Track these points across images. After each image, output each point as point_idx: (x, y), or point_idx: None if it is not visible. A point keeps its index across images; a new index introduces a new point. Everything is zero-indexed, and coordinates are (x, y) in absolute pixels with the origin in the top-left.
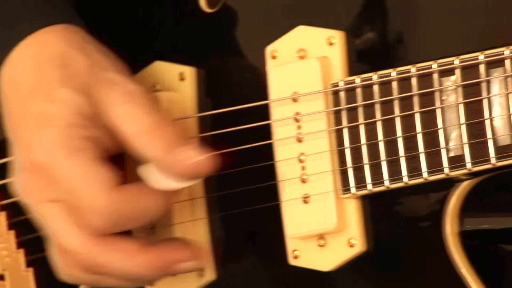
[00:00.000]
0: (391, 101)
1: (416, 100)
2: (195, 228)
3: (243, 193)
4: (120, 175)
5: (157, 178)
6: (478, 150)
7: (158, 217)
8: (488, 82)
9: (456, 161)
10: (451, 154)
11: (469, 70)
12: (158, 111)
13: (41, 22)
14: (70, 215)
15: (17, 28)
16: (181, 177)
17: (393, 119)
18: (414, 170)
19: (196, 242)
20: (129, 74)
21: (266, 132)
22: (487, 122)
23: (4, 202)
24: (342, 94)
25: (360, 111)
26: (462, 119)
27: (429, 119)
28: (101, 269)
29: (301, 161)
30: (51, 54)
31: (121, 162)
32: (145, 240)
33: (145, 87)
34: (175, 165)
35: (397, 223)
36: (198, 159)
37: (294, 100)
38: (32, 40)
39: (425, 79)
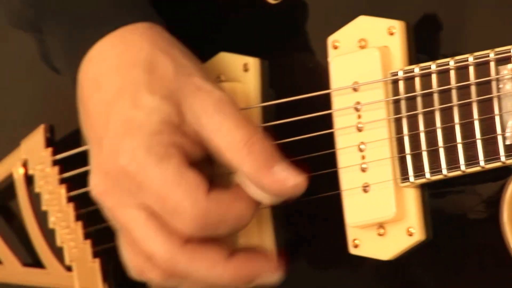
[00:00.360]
0: (449, 90)
1: (473, 89)
2: (259, 220)
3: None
4: (209, 178)
5: (252, 189)
6: None
7: (246, 225)
8: None
9: None
10: (507, 142)
11: None
12: (250, 124)
13: (123, 19)
14: (155, 221)
15: (96, 25)
16: (273, 196)
17: (450, 108)
18: (471, 158)
19: (261, 228)
20: (210, 77)
21: (327, 122)
22: None
23: (72, 193)
24: (401, 83)
25: (419, 100)
26: None
27: (485, 108)
28: (183, 275)
29: (361, 150)
30: (137, 57)
31: (208, 164)
32: (229, 248)
33: (230, 94)
34: (268, 185)
35: (454, 212)
36: (291, 182)
37: (355, 89)
38: (115, 39)
39: (482, 67)
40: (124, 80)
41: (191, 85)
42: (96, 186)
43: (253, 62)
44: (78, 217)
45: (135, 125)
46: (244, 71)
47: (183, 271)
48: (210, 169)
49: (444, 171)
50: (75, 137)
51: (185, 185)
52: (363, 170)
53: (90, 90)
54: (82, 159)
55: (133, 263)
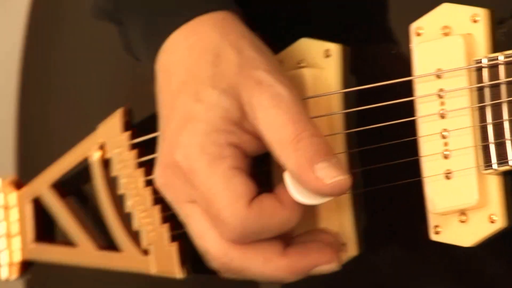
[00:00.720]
0: None
1: None
2: (339, 204)
3: (385, 169)
4: (258, 187)
5: (296, 189)
6: None
7: (293, 228)
8: None
9: None
10: None
11: None
12: (303, 119)
13: (198, 10)
14: (209, 218)
15: (172, 16)
16: (317, 194)
17: None
18: None
19: (340, 213)
20: (280, 69)
21: (409, 109)
22: None
23: (150, 177)
24: (485, 71)
25: (503, 88)
26: None
27: None
28: (239, 272)
29: (443, 137)
30: (206, 49)
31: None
32: (284, 241)
33: (294, 90)
34: (308, 182)
35: None
36: (335, 179)
37: (438, 76)
38: (188, 30)
39: None
40: (190, 72)
41: (252, 79)
42: (158, 178)
43: (334, 48)
44: (155, 201)
45: (194, 120)
46: (325, 57)
47: (239, 268)
48: (268, 165)
49: None
50: (153, 121)
51: (228, 193)
52: (446, 157)
53: (163, 81)
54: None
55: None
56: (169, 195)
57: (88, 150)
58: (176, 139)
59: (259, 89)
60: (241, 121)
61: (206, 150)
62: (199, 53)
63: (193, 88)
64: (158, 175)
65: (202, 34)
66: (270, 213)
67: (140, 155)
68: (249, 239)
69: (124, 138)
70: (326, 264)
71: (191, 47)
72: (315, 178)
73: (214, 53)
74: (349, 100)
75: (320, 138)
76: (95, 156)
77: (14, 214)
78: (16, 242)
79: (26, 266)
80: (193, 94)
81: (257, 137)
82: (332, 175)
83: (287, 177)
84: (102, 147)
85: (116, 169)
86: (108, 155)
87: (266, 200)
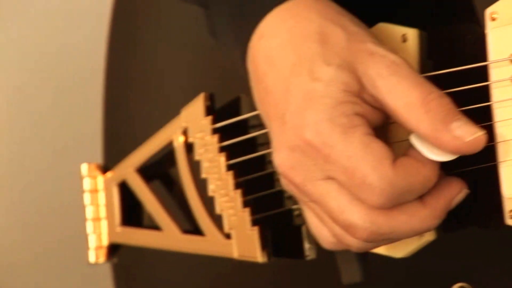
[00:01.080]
0: None
1: None
2: None
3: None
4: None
5: (426, 149)
6: None
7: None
8: None
9: None
10: None
11: None
12: (425, 82)
13: None
14: (347, 191)
15: None
16: (455, 153)
17: None
18: None
19: None
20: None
21: (484, 94)
22: None
23: (231, 162)
24: None
25: None
26: None
27: None
28: (388, 235)
29: None
30: (308, 29)
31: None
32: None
33: (404, 57)
34: (446, 143)
35: None
36: (475, 136)
37: None
38: (283, 12)
39: None
40: (298, 54)
41: (364, 51)
42: (283, 163)
43: (411, 33)
44: (237, 185)
45: (316, 98)
46: (402, 42)
47: (386, 232)
48: (387, 136)
49: None
50: (235, 106)
51: (371, 157)
52: None
53: (265, 67)
54: (242, 127)
55: (327, 233)
56: (299, 177)
57: (172, 134)
58: (301, 119)
59: (373, 59)
60: (360, 93)
61: (336, 123)
62: (302, 34)
63: (305, 68)
64: (283, 159)
65: (300, 15)
66: (414, 172)
67: (222, 139)
68: (396, 201)
69: (206, 122)
70: (459, 193)
71: (291, 29)
72: (452, 138)
73: (318, 32)
74: None
75: (447, 98)
76: (179, 140)
77: (101, 198)
78: (103, 226)
79: (113, 250)
80: (307, 74)
81: (376, 108)
82: (471, 132)
83: (415, 139)
84: (185, 132)
85: (198, 153)
86: (191, 139)
87: (406, 160)
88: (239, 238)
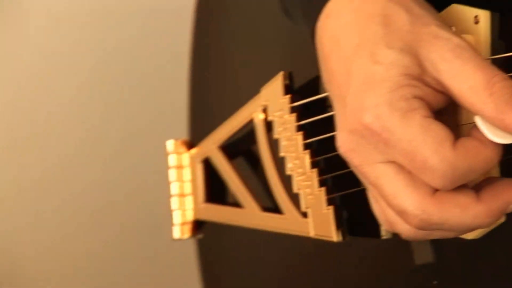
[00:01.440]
0: None
1: None
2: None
3: None
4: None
5: (490, 131)
6: None
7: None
8: None
9: None
10: None
11: None
12: (488, 65)
13: None
14: (404, 176)
15: None
16: None
17: None
18: None
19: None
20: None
21: None
22: None
23: (308, 141)
24: None
25: None
26: None
27: None
28: (439, 226)
29: None
30: (372, 11)
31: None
32: (473, 189)
33: (468, 41)
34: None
35: None
36: None
37: None
38: None
39: None
40: (362, 35)
41: (428, 34)
42: (343, 144)
43: (483, 15)
44: (313, 165)
45: (376, 81)
46: (474, 23)
47: (436, 222)
48: (450, 119)
49: None
50: (312, 85)
51: (431, 140)
52: None
53: (330, 47)
54: (319, 106)
55: (383, 217)
56: (357, 160)
57: (252, 112)
58: (360, 103)
59: (436, 43)
60: (421, 76)
61: (395, 107)
62: (366, 15)
63: (367, 50)
64: (342, 141)
65: None
66: (475, 153)
67: (299, 118)
68: (458, 183)
69: (285, 101)
70: None
71: (357, 10)
72: None
73: (382, 14)
74: (498, 66)
75: (511, 81)
76: (259, 119)
77: (187, 174)
78: (188, 202)
79: (198, 226)
80: (369, 57)
81: (438, 91)
82: None
83: (479, 121)
84: (265, 110)
85: (277, 132)
86: (270, 118)
87: (467, 141)
88: (315, 217)
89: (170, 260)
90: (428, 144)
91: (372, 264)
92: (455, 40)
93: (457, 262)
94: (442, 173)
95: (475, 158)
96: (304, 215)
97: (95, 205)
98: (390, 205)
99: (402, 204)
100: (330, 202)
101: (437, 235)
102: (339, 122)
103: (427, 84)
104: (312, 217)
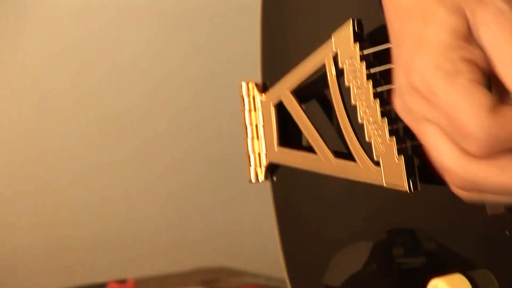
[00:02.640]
0: None
1: None
2: None
3: None
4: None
5: None
6: None
7: None
8: None
9: None
10: None
11: None
12: None
13: None
14: (448, 136)
15: None
16: None
17: None
18: None
19: None
20: None
21: None
22: None
23: (378, 89)
24: None
25: None
26: None
27: None
28: (480, 186)
29: None
30: None
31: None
32: None
33: None
34: None
35: None
36: None
37: None
38: None
39: None
40: None
41: None
42: (395, 102)
43: None
44: (384, 114)
45: (424, 42)
46: None
47: (479, 181)
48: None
49: None
50: (381, 34)
51: (471, 105)
52: None
53: (390, 7)
54: (389, 55)
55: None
56: (406, 117)
57: (324, 58)
58: (410, 63)
59: (481, 5)
60: (469, 38)
61: (441, 68)
62: None
63: (419, 11)
64: (395, 100)
65: None
66: None
67: (369, 66)
68: (494, 150)
69: (354, 49)
70: None
71: None
72: None
73: None
74: None
75: None
76: (330, 65)
77: (260, 117)
78: (262, 146)
79: (272, 169)
80: (420, 17)
81: (486, 56)
82: None
83: None
84: (336, 56)
85: (348, 79)
86: (341, 65)
87: (507, 109)
88: (386, 166)
89: (246, 203)
90: (467, 109)
91: (444, 214)
92: (499, 4)
93: None
94: (478, 140)
95: None
96: (376, 163)
97: (173, 149)
98: (435, 161)
99: (446, 163)
100: (401, 151)
101: (485, 195)
102: (395, 81)
103: (475, 48)
104: (384, 166)
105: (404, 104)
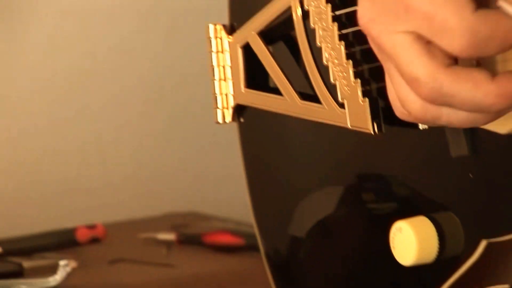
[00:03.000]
0: None
1: None
2: None
3: None
4: None
5: None
6: None
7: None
8: None
9: None
10: None
11: None
12: None
13: None
14: (421, 44)
15: None
16: None
17: None
18: None
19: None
20: None
21: None
22: None
23: (343, 31)
24: None
25: None
26: None
27: None
28: (447, 99)
29: None
30: None
31: None
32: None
33: None
34: None
35: None
36: None
37: None
38: None
39: None
40: None
41: None
42: (364, 15)
43: None
44: (348, 56)
45: None
46: None
47: (447, 93)
48: None
49: None
50: None
51: (452, 2)
52: None
53: None
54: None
55: (395, 96)
56: (375, 30)
57: (290, 0)
58: None
59: None
60: None
61: None
62: None
63: None
64: (363, 11)
65: None
66: (496, 20)
67: (335, 9)
68: (477, 49)
69: None
70: None
71: None
72: None
73: None
74: None
75: None
76: (296, 7)
77: (227, 59)
78: (229, 87)
79: (239, 111)
80: None
81: None
82: None
83: (503, 3)
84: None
85: (313, 21)
86: (306, 7)
87: (490, 11)
88: (351, 108)
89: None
90: (449, 6)
91: (409, 158)
92: None
93: (493, 156)
94: (461, 33)
95: (496, 26)
96: (341, 106)
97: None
98: (403, 73)
99: (415, 71)
100: (365, 94)
101: (446, 117)
102: None
103: None
104: (349, 108)
105: (374, 17)
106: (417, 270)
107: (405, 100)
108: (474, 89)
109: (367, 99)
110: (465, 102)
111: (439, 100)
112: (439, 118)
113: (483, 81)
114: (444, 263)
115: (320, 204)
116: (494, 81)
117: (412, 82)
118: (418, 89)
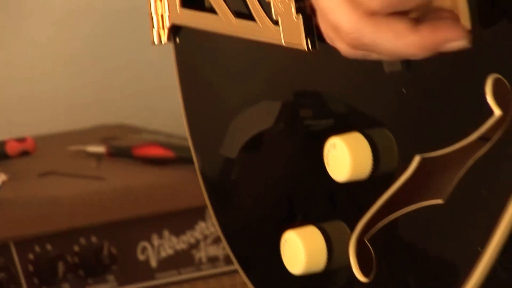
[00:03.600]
0: None
1: None
2: None
3: None
4: None
5: None
6: None
7: None
8: None
9: None
10: None
11: None
12: None
13: None
14: None
15: None
16: None
17: None
18: None
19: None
20: None
21: None
22: None
23: None
24: None
25: None
26: None
27: None
28: (369, 47)
29: None
30: None
31: None
32: (414, 18)
33: None
34: None
35: None
36: None
37: None
38: None
39: None
40: None
41: None
42: None
43: None
44: None
45: None
46: None
47: (369, 42)
48: None
49: None
50: None
51: None
52: None
53: None
54: None
55: (325, 32)
56: None
57: None
58: None
59: None
60: None
61: None
62: None
63: None
64: None
65: None
66: None
67: None
68: (392, 7)
69: None
70: (456, 40)
71: None
72: None
73: None
74: None
75: None
76: None
77: None
78: (165, 7)
79: (175, 31)
80: None
81: None
82: None
83: None
84: None
85: None
86: None
87: None
88: (285, 25)
89: (148, 63)
90: None
91: (342, 73)
92: None
93: (426, 72)
94: None
95: None
96: (275, 23)
97: (74, 5)
98: (328, 20)
99: (337, 20)
100: (299, 10)
101: (375, 57)
102: None
103: None
104: (282, 25)
105: None
106: (351, 186)
107: (332, 40)
108: (395, 39)
109: (300, 16)
110: (387, 52)
111: (362, 47)
112: (369, 56)
113: (404, 31)
114: (378, 179)
115: (255, 121)
116: (417, 32)
117: (335, 29)
118: (341, 37)
